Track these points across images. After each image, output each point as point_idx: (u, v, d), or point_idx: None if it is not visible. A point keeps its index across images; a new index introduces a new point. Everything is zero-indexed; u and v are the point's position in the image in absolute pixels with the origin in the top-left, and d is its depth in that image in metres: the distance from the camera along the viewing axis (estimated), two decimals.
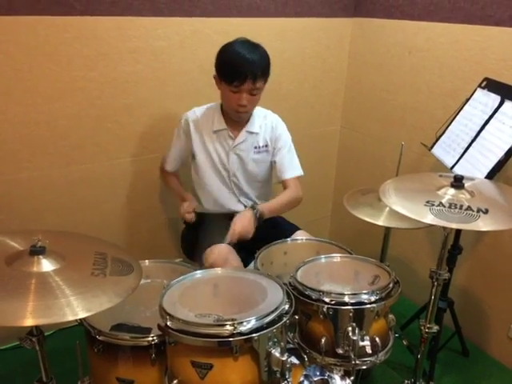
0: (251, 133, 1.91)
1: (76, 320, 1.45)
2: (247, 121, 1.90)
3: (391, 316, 1.43)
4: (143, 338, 1.37)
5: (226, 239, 1.74)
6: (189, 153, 1.96)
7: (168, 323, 1.17)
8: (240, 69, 1.67)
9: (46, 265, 1.17)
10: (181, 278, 1.39)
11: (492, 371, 2.13)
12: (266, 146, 1.95)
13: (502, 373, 2.13)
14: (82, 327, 1.49)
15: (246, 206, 1.98)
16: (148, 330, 1.39)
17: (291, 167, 1.96)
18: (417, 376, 1.65)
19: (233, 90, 1.71)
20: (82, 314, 1.06)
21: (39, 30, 1.79)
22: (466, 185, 1.40)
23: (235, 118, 1.85)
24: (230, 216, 1.96)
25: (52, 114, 1.92)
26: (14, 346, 2.10)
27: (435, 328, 1.54)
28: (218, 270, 1.47)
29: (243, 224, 1.74)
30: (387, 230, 2.00)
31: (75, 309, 1.06)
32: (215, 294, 1.36)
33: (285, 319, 1.19)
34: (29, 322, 1.01)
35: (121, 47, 1.97)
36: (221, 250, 1.78)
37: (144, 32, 2.00)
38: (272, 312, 1.19)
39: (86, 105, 1.98)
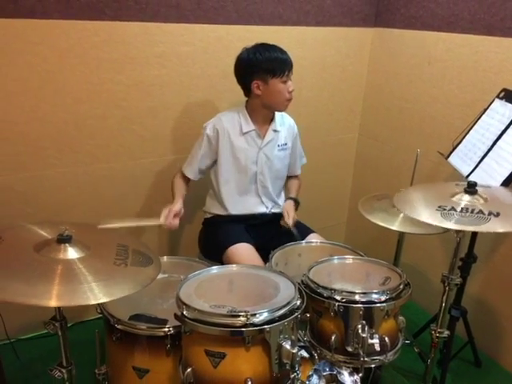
0: (275, 131, 2.02)
1: (96, 310, 1.53)
2: (271, 120, 2.00)
3: (401, 318, 1.45)
4: (159, 328, 1.42)
5: (289, 223, 1.98)
6: (212, 160, 2.00)
7: (184, 312, 1.23)
8: (285, 59, 1.86)
9: (72, 253, 1.24)
10: (197, 272, 1.44)
11: (504, 383, 2.12)
12: (286, 144, 2.06)
13: None
14: (100, 321, 1.56)
15: (267, 207, 2.08)
16: (164, 321, 1.44)
17: (302, 160, 2.27)
18: (426, 381, 1.66)
19: (284, 81, 1.85)
20: (103, 299, 1.12)
21: (71, 33, 1.88)
22: (479, 191, 1.42)
23: (283, 109, 1.96)
24: (250, 217, 2.03)
25: (80, 114, 2.01)
26: (35, 335, 2.19)
27: (446, 333, 1.56)
28: (233, 267, 1.52)
29: (293, 210, 2.05)
30: (401, 235, 2.02)
31: (97, 294, 1.12)
32: (230, 289, 1.41)
33: (296, 314, 1.23)
34: (53, 303, 1.08)
35: (147, 52, 2.05)
36: (243, 249, 1.86)
37: (170, 38, 2.08)
38: (284, 306, 1.23)
39: (113, 106, 2.07)
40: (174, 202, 1.88)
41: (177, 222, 1.84)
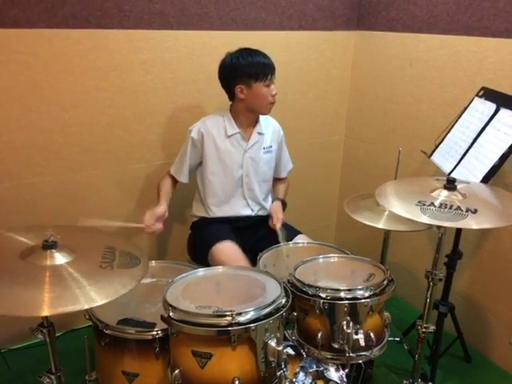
0: (260, 134, 2.04)
1: (85, 316, 1.54)
2: (256, 123, 2.02)
3: (387, 314, 1.47)
4: (148, 332, 1.43)
5: (277, 227, 2.00)
6: (198, 162, 2.02)
7: (170, 314, 1.24)
8: (267, 63, 1.89)
9: (59, 258, 1.24)
10: (184, 274, 1.45)
11: (494, 377, 2.14)
12: (271, 146, 2.09)
13: (504, 379, 2.14)
14: (90, 329, 1.56)
15: (252, 210, 2.09)
16: (152, 325, 1.45)
17: (289, 165, 2.27)
18: (414, 377, 1.68)
19: (267, 84, 1.88)
20: (92, 304, 1.13)
21: (55, 42, 1.90)
22: (458, 187, 1.45)
23: (267, 112, 1.98)
24: (235, 220, 2.05)
25: (66, 122, 2.02)
26: (25, 345, 2.18)
27: (431, 328, 1.58)
28: (220, 269, 1.54)
29: (281, 212, 2.08)
30: (386, 234, 2.04)
31: (87, 298, 1.13)
32: (217, 290, 1.42)
33: (281, 312, 1.25)
34: (44, 312, 1.08)
35: (132, 59, 2.07)
36: (227, 247, 1.87)
37: (154, 44, 2.10)
38: (269, 305, 1.25)
39: (98, 113, 2.08)
40: (158, 205, 1.89)
41: (160, 225, 1.85)
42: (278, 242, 1.93)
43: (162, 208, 1.88)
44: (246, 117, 1.98)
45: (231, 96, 1.95)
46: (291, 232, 2.06)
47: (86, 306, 1.12)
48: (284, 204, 2.15)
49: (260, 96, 1.89)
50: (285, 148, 2.21)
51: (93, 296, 1.14)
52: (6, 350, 2.10)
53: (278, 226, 2.00)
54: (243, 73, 1.86)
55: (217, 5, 2.18)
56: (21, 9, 1.79)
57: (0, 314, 1.05)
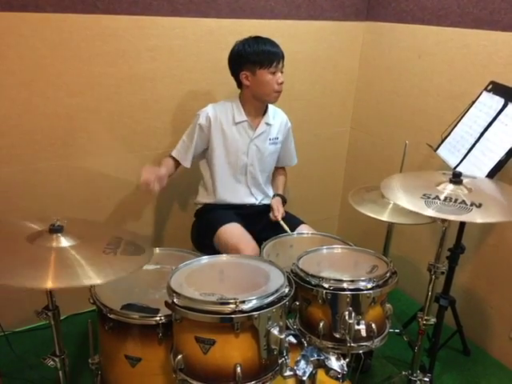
0: (268, 124, 2.04)
1: (89, 300, 1.55)
2: (265, 113, 2.02)
3: (388, 305, 1.48)
4: (151, 317, 1.44)
5: (279, 218, 2.02)
6: (203, 148, 2.02)
7: (175, 300, 1.25)
8: (274, 51, 1.88)
9: (64, 242, 1.27)
10: (188, 262, 1.46)
11: (492, 371, 2.16)
12: (277, 138, 2.09)
13: (503, 373, 2.15)
14: (94, 313, 1.58)
15: (256, 199, 2.11)
16: (156, 311, 1.46)
17: (294, 157, 2.28)
18: (414, 368, 1.69)
19: (272, 72, 1.87)
20: (91, 281, 1.18)
21: (63, 26, 1.89)
22: (464, 181, 1.45)
23: (273, 101, 1.98)
24: (240, 207, 2.06)
25: (72, 107, 2.02)
26: (28, 328, 2.21)
27: (432, 320, 1.59)
28: (223, 257, 1.55)
29: (281, 205, 2.09)
30: (390, 226, 2.04)
31: (86, 276, 1.17)
32: (220, 278, 1.43)
33: (284, 301, 1.26)
34: (48, 284, 1.13)
35: (139, 45, 2.06)
36: (234, 228, 1.90)
37: (162, 31, 2.09)
38: (272, 294, 1.26)
39: (105, 100, 2.08)
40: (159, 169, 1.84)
41: (157, 186, 1.77)
42: (282, 232, 1.94)
43: (163, 170, 1.84)
44: (254, 105, 1.98)
45: (238, 83, 1.96)
46: (294, 222, 2.06)
47: (85, 283, 1.17)
48: (284, 200, 2.15)
49: (264, 83, 1.88)
50: (291, 141, 2.20)
51: (92, 275, 1.18)
52: (9, 332, 2.12)
53: (280, 217, 2.01)
54: (248, 60, 1.86)
55: None
56: None
57: (6, 284, 1.11)
